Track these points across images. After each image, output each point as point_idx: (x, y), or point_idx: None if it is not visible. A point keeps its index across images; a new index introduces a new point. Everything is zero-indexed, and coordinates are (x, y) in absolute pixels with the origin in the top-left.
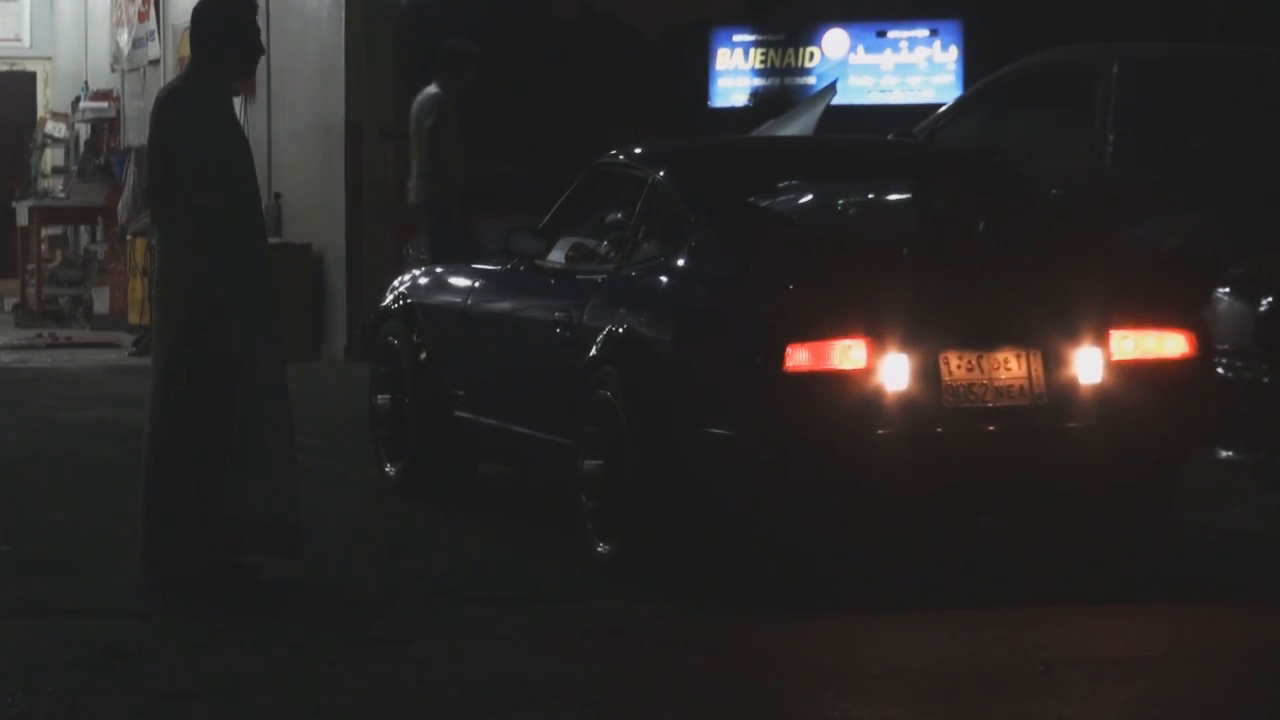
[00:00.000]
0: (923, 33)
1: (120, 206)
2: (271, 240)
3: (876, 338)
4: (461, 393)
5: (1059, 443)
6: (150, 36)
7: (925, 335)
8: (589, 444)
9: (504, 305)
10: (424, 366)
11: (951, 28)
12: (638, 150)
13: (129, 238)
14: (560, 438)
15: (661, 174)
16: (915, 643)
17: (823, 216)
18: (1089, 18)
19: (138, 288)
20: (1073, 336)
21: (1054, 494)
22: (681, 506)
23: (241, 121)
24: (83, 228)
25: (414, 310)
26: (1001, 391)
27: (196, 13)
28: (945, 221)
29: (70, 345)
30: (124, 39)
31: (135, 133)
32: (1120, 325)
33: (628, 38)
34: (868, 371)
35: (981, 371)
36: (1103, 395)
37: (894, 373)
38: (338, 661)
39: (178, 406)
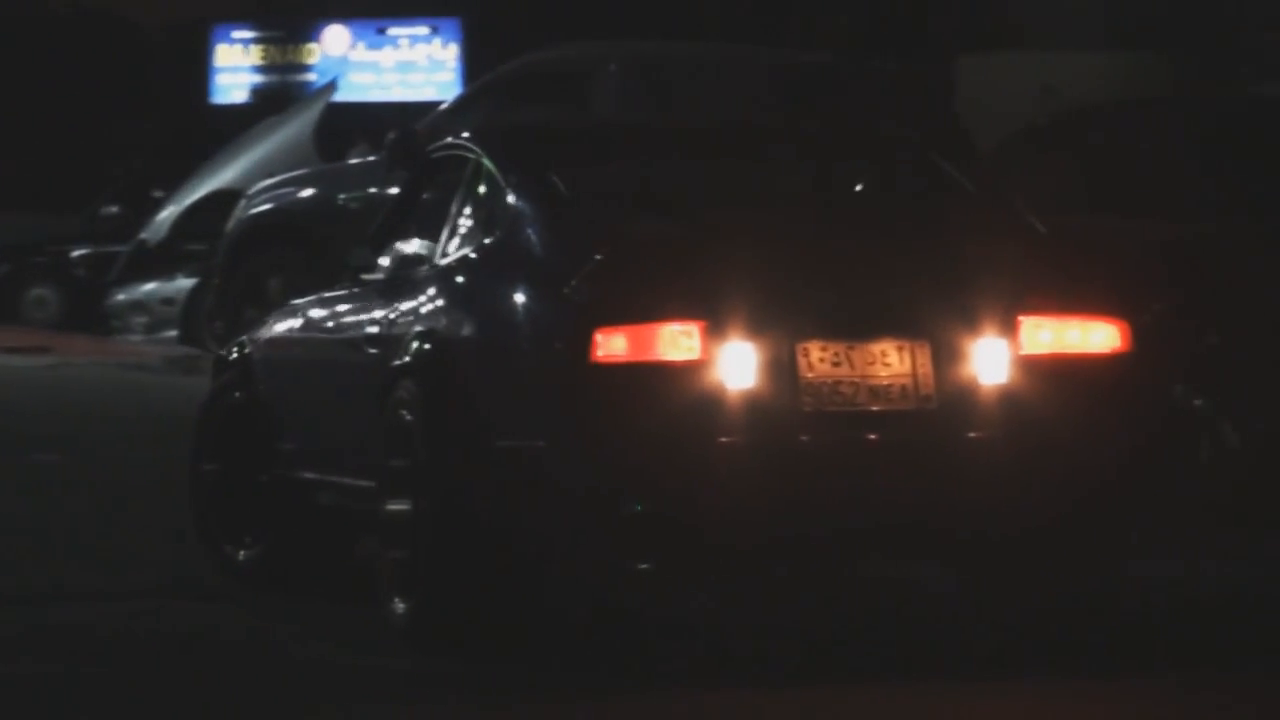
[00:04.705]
0: (423, 30)
1: None
2: None
3: (714, 321)
4: (290, 446)
5: (954, 458)
6: None
7: (779, 320)
8: (392, 481)
9: (320, 334)
10: (258, 420)
11: (451, 25)
12: (469, 132)
13: None
14: (367, 480)
15: (486, 154)
16: None
17: (663, 192)
18: (590, 14)
19: None
20: (971, 326)
21: (952, 532)
22: (473, 548)
23: None
24: None
25: (250, 359)
26: (878, 392)
27: None
28: (807, 194)
29: None
30: None
31: None
32: (1032, 311)
33: (128, 33)
34: (703, 363)
35: (852, 367)
36: (1010, 399)
37: (737, 366)
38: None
39: None
